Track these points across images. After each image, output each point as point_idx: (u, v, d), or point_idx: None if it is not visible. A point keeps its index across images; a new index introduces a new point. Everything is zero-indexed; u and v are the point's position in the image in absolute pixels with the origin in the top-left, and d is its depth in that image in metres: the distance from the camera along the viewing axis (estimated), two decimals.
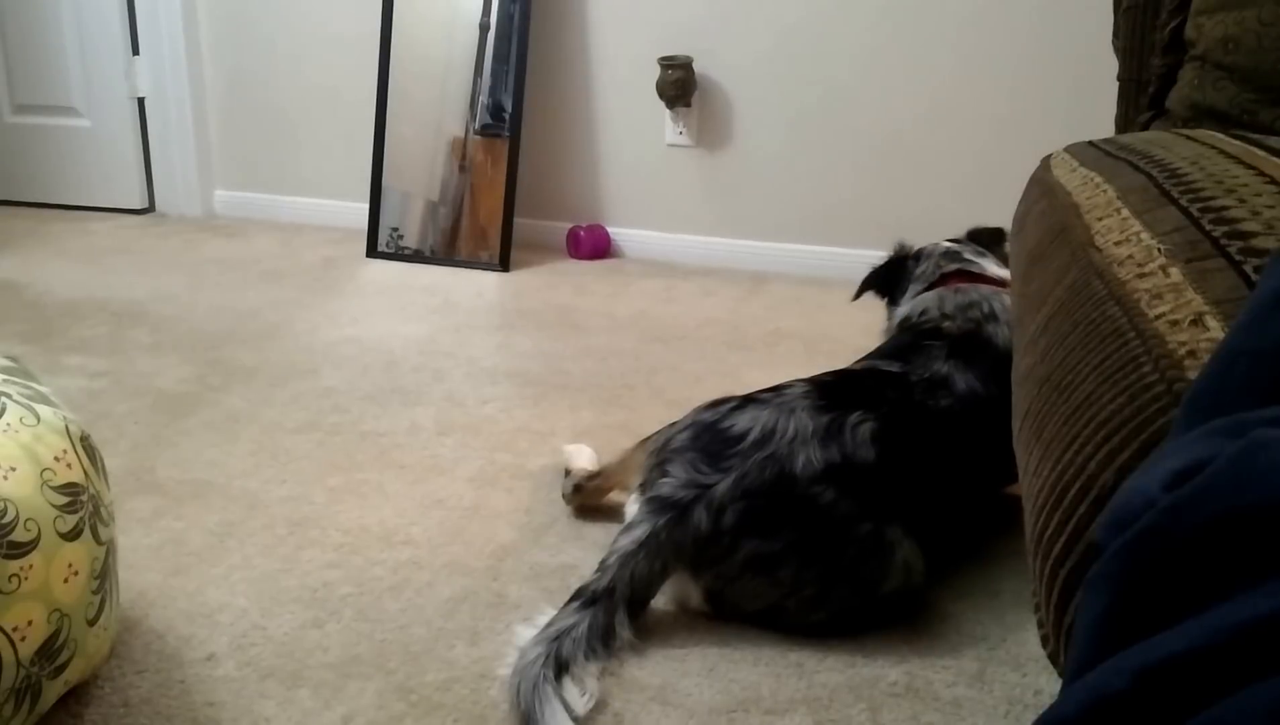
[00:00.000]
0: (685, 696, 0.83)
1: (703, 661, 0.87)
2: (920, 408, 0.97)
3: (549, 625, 0.84)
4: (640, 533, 0.87)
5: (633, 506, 0.94)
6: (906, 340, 1.09)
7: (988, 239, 1.28)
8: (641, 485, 0.96)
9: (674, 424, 0.98)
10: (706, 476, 0.89)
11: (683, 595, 0.93)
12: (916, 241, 1.31)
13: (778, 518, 0.88)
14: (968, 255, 1.20)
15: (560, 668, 0.81)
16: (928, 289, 1.18)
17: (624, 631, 0.85)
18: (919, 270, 1.22)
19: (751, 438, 0.90)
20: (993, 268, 1.18)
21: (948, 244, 1.25)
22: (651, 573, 0.87)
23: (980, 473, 1.02)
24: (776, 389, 0.96)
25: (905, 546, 0.89)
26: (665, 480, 0.90)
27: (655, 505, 0.89)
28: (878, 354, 1.10)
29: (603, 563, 0.88)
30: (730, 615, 0.91)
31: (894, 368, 1.02)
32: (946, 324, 1.08)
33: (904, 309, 1.17)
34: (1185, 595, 0.29)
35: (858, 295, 1.31)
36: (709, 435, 0.92)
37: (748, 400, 0.95)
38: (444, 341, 1.73)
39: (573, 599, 0.86)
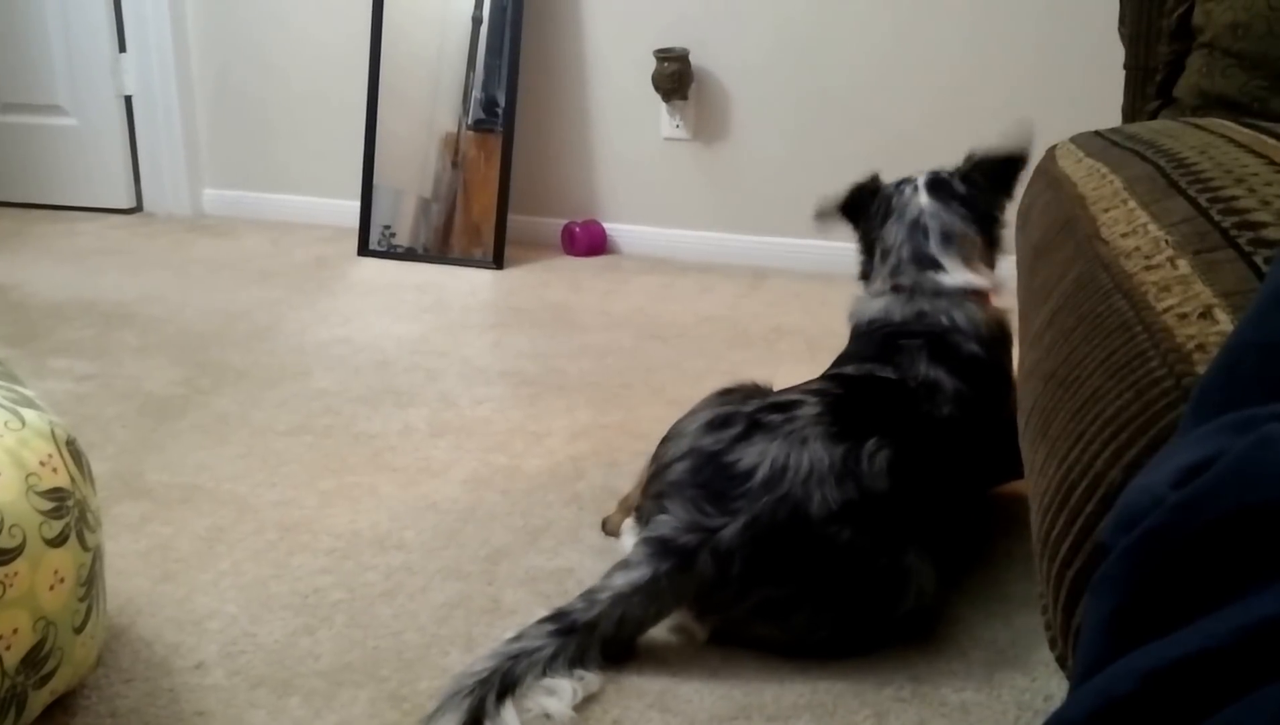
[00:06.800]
0: (685, 703, 0.82)
1: (704, 666, 0.86)
2: (927, 420, 0.93)
3: (515, 639, 0.80)
4: (638, 576, 0.82)
5: (629, 538, 0.90)
6: (879, 342, 1.03)
7: (984, 185, 1.10)
8: (638, 511, 0.92)
9: (676, 433, 0.93)
10: (711, 518, 0.83)
11: (685, 628, 0.89)
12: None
13: (790, 563, 0.83)
14: (932, 248, 1.07)
15: (505, 690, 0.77)
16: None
17: (592, 667, 0.81)
18: (891, 237, 1.08)
19: (760, 476, 0.83)
20: (952, 276, 1.05)
21: (924, 204, 1.09)
22: (644, 616, 0.83)
23: (980, 473, 1.01)
24: (785, 408, 0.89)
25: (921, 571, 0.86)
26: (664, 518, 0.84)
27: (655, 547, 0.83)
28: (859, 357, 1.04)
29: (591, 594, 0.83)
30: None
31: (889, 373, 0.98)
32: (905, 328, 1.02)
33: (857, 314, 1.09)
34: (1194, 595, 0.28)
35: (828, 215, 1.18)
36: (711, 469, 0.85)
37: (754, 424, 0.87)
38: (437, 341, 1.71)
39: (549, 619, 0.82)
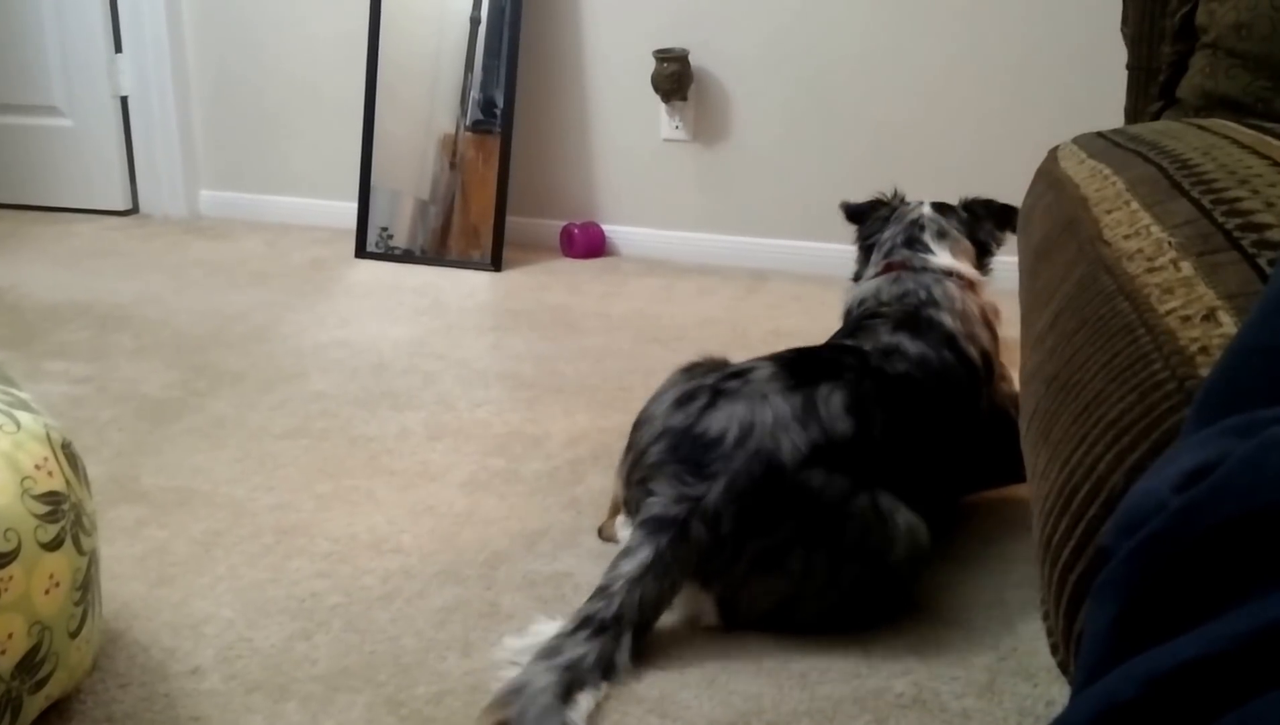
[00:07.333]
0: (684, 709, 0.81)
1: (702, 672, 0.85)
2: (879, 373, 0.98)
3: (556, 654, 0.81)
4: (644, 556, 0.85)
5: (624, 530, 0.92)
6: (854, 323, 1.12)
7: (982, 213, 1.25)
8: (626, 504, 0.94)
9: (648, 417, 0.96)
10: (694, 487, 0.87)
11: (694, 610, 0.91)
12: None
13: (774, 511, 0.87)
14: (926, 237, 1.18)
15: (568, 698, 0.78)
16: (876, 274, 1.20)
17: (625, 657, 0.82)
18: (887, 234, 1.21)
19: (731, 437, 0.88)
20: (939, 257, 1.15)
21: (925, 211, 1.23)
22: (660, 594, 0.85)
23: (948, 434, 1.02)
24: (741, 374, 0.95)
25: (903, 512, 0.89)
26: (654, 499, 0.88)
27: (651, 526, 0.86)
28: (832, 338, 1.12)
29: (605, 589, 0.84)
30: (744, 620, 0.90)
31: (848, 342, 1.05)
32: (884, 309, 1.10)
33: (849, 301, 1.18)
34: (1197, 600, 0.28)
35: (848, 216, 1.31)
36: (686, 443, 0.90)
37: (716, 393, 0.93)
38: (435, 343, 1.71)
39: (579, 628, 0.83)
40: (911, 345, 1.02)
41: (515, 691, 0.78)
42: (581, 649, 0.81)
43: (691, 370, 1.00)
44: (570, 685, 0.78)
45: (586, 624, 0.83)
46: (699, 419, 0.90)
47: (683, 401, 0.94)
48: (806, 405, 0.90)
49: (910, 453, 0.94)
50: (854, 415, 0.90)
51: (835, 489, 0.87)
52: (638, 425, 0.98)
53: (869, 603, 0.89)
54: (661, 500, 0.87)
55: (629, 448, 0.97)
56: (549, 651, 0.81)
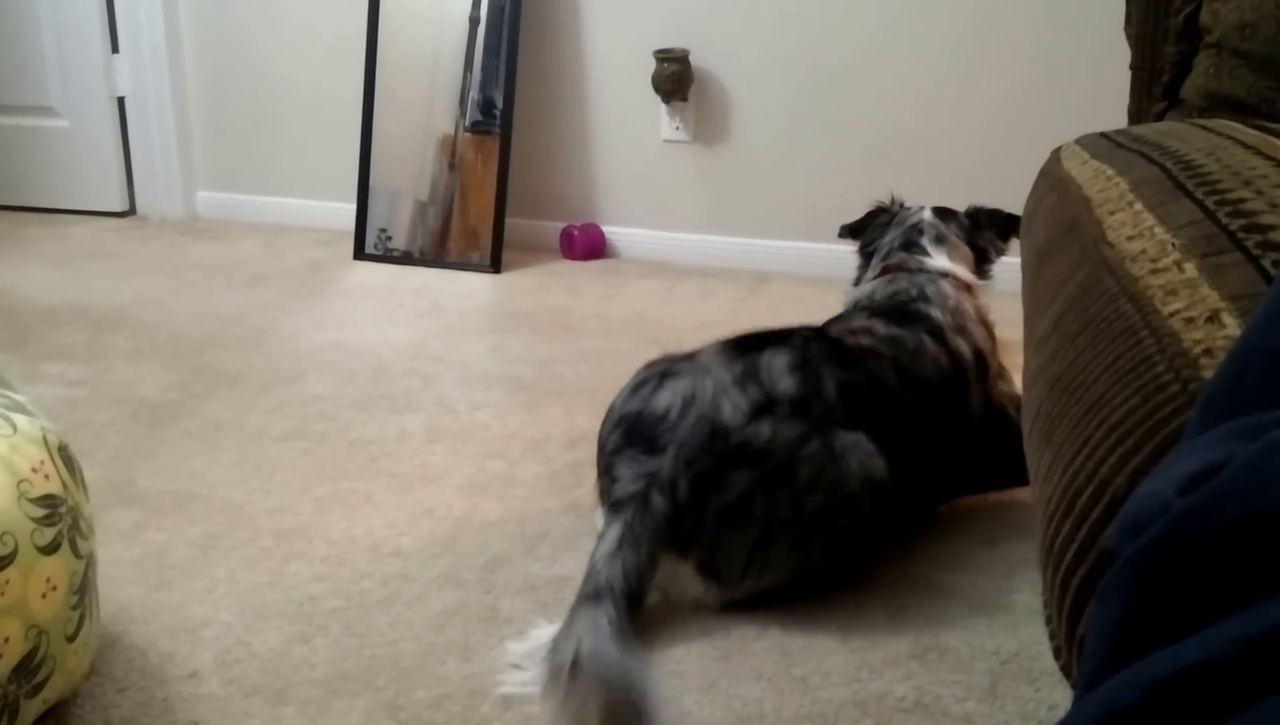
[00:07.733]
0: (684, 714, 0.81)
1: (702, 677, 0.85)
2: (835, 343, 1.00)
3: (568, 630, 0.81)
4: (614, 533, 0.88)
5: (600, 521, 0.95)
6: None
7: (985, 221, 1.26)
8: (601, 495, 0.98)
9: (608, 410, 0.99)
10: (647, 463, 0.91)
11: (681, 587, 0.92)
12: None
13: (725, 469, 0.90)
14: (924, 241, 1.20)
15: (616, 629, 0.80)
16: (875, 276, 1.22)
17: (625, 622, 0.84)
18: (886, 239, 1.24)
19: (675, 410, 0.92)
20: (935, 260, 1.17)
21: (925, 216, 1.24)
22: (640, 563, 0.87)
23: (928, 421, 1.02)
24: (691, 356, 0.99)
25: (858, 449, 0.91)
26: (617, 484, 0.92)
27: (616, 507, 0.90)
28: None
29: (589, 574, 0.87)
30: (729, 584, 0.91)
31: (814, 326, 1.07)
32: (875, 305, 1.13)
33: (847, 303, 1.20)
34: (1201, 604, 0.28)
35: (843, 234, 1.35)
36: (639, 426, 0.94)
37: (664, 376, 0.97)
38: (434, 346, 1.71)
39: (583, 606, 0.84)
40: (884, 328, 1.04)
41: (574, 665, 0.78)
42: (589, 616, 0.82)
43: (654, 365, 1.03)
44: (609, 624, 0.80)
45: (586, 599, 0.84)
46: (648, 402, 0.95)
47: (636, 390, 0.98)
48: (748, 370, 0.94)
49: (877, 426, 0.95)
50: (798, 373, 0.94)
51: (784, 437, 0.90)
52: (602, 421, 1.01)
53: (838, 535, 0.91)
54: (623, 483, 0.91)
55: (598, 443, 1.00)
56: (570, 637, 0.81)
